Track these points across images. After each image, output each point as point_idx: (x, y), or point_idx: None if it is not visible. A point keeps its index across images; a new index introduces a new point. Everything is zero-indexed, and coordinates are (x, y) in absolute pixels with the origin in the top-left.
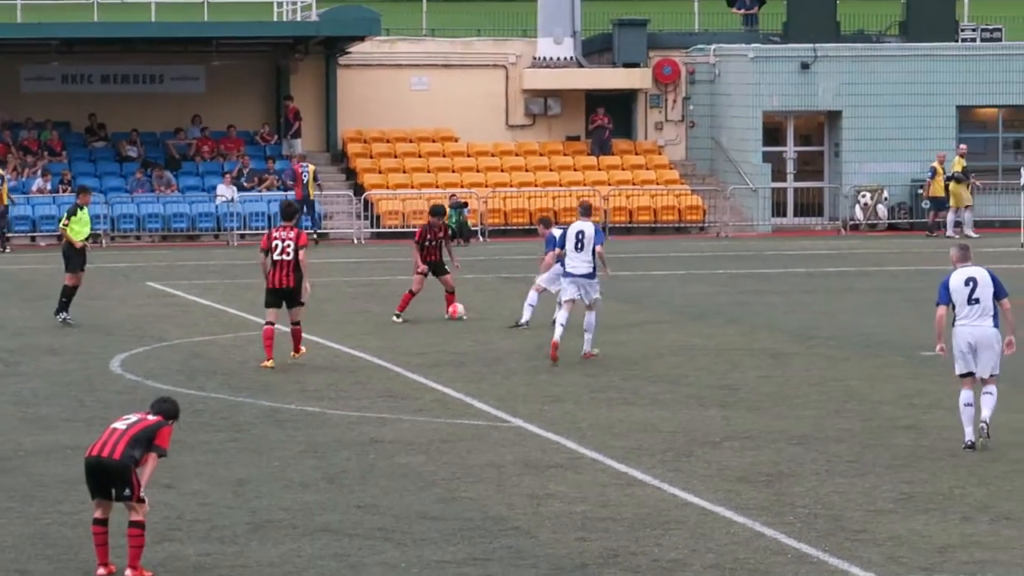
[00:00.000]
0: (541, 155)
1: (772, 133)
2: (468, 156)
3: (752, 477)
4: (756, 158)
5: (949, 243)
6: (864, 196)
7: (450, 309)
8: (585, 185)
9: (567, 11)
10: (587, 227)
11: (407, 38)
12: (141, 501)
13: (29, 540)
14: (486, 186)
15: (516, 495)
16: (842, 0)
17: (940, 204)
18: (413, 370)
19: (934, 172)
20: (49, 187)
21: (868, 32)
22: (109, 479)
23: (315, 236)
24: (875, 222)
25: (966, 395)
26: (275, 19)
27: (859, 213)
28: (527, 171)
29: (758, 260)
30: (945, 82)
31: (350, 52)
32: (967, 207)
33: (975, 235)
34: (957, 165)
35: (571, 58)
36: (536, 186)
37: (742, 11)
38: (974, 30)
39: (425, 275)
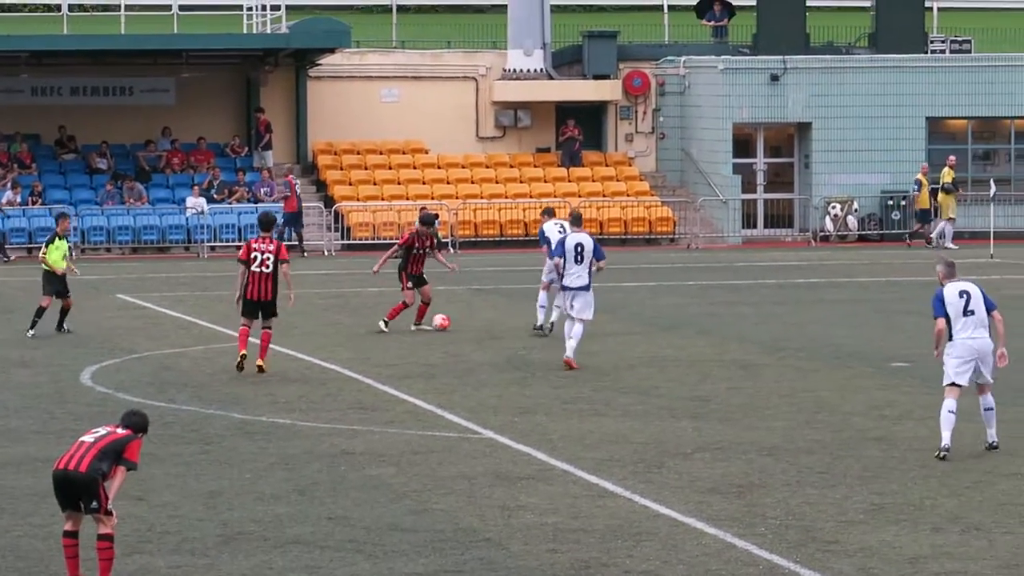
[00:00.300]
0: (511, 167)
1: (742, 145)
2: (438, 168)
3: (723, 488)
4: (726, 170)
5: (924, 254)
6: (834, 207)
7: (438, 321)
8: (555, 197)
9: (537, 23)
10: (586, 239)
11: (377, 50)
12: (109, 514)
13: (0, 552)
14: (456, 198)
15: (487, 507)
16: (812, 12)
17: (925, 216)
18: (384, 382)
19: (919, 184)
20: (19, 200)
21: (838, 44)
22: (76, 492)
23: (304, 250)
24: (845, 233)
25: (951, 403)
26: (245, 31)
27: (829, 224)
28: (497, 183)
29: (728, 272)
30: (915, 93)
31: (320, 64)
32: (950, 219)
33: (954, 247)
34: (947, 176)
35: (541, 70)
36: (507, 198)
37: (712, 23)
38: (943, 42)
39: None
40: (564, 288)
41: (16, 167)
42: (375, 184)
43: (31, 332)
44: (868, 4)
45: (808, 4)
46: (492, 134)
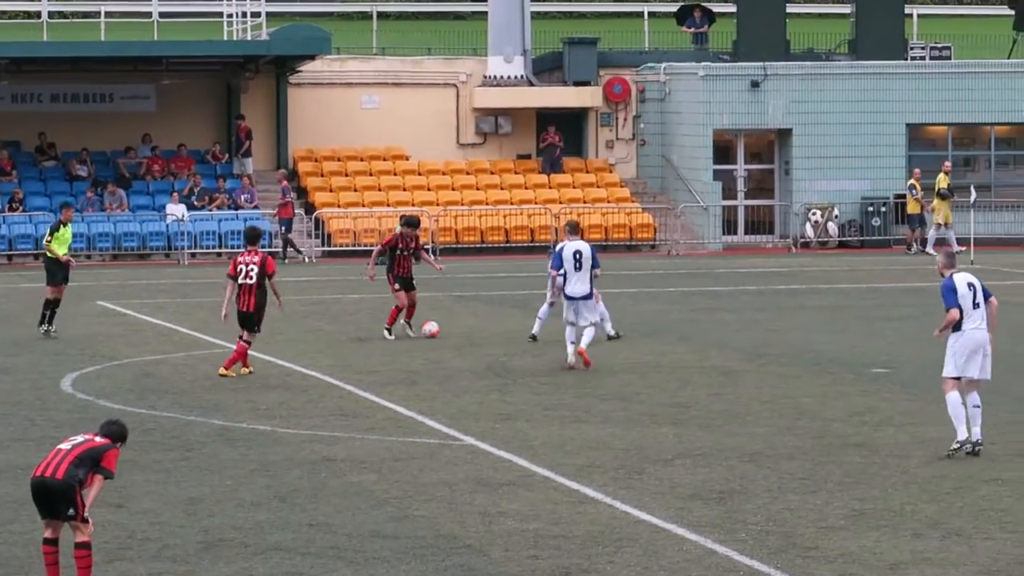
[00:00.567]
0: (492, 173)
1: (722, 151)
2: (419, 175)
3: (704, 494)
4: (707, 176)
5: (903, 260)
6: (814, 214)
7: (429, 330)
8: (536, 203)
9: (517, 30)
10: (584, 247)
11: (357, 57)
12: (85, 521)
13: None
14: (437, 204)
15: (468, 513)
16: (792, 18)
17: (919, 220)
18: (365, 388)
19: (913, 189)
20: None
21: (818, 50)
22: (53, 499)
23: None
24: (826, 240)
25: (957, 396)
26: (225, 38)
27: (810, 231)
28: (478, 189)
29: (709, 278)
30: (895, 100)
31: (300, 71)
32: (947, 225)
33: (934, 254)
34: (942, 182)
35: (521, 76)
36: (487, 204)
37: (692, 29)
38: (923, 48)
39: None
40: (567, 297)
41: None
42: (356, 191)
43: (47, 328)
44: (848, 11)
45: (788, 11)
46: (473, 141)
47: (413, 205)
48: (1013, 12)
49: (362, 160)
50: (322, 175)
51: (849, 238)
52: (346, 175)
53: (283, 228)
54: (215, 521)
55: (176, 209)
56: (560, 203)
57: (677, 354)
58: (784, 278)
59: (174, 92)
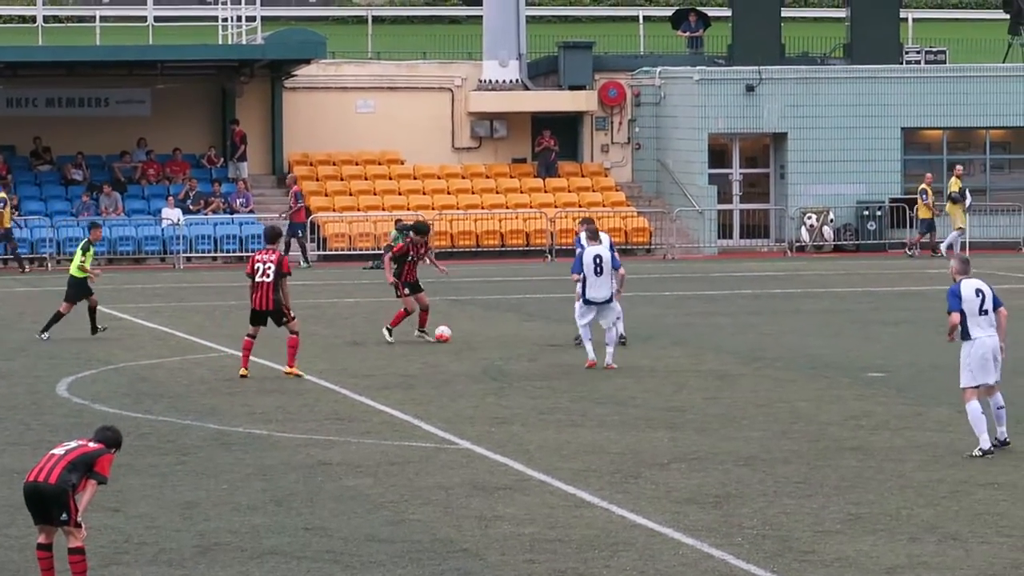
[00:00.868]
0: (487, 177)
1: (718, 155)
2: (414, 179)
3: (700, 499)
4: (702, 180)
5: (899, 263)
6: (810, 218)
7: (439, 332)
8: (532, 207)
9: (512, 34)
10: (603, 251)
11: (353, 61)
12: (78, 526)
13: None
14: (432, 209)
15: (464, 517)
16: (787, 23)
17: (929, 225)
18: (361, 392)
19: (925, 194)
20: None
21: (813, 54)
22: (46, 504)
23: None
24: (821, 243)
25: (977, 405)
26: (220, 42)
27: (805, 235)
28: (473, 193)
29: (704, 282)
30: (890, 104)
31: (296, 75)
32: (959, 229)
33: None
34: (954, 185)
35: (517, 81)
36: (483, 208)
37: (687, 34)
38: (918, 52)
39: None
40: (588, 302)
41: None
42: (351, 195)
43: (99, 331)
44: (843, 15)
45: (783, 15)
46: (468, 145)
47: (408, 209)
48: (1008, 16)
49: (357, 164)
50: (317, 179)
51: (844, 242)
52: (341, 179)
53: (299, 232)
54: (211, 525)
55: (172, 213)
56: (555, 207)
57: (673, 358)
58: (779, 282)
59: (169, 96)
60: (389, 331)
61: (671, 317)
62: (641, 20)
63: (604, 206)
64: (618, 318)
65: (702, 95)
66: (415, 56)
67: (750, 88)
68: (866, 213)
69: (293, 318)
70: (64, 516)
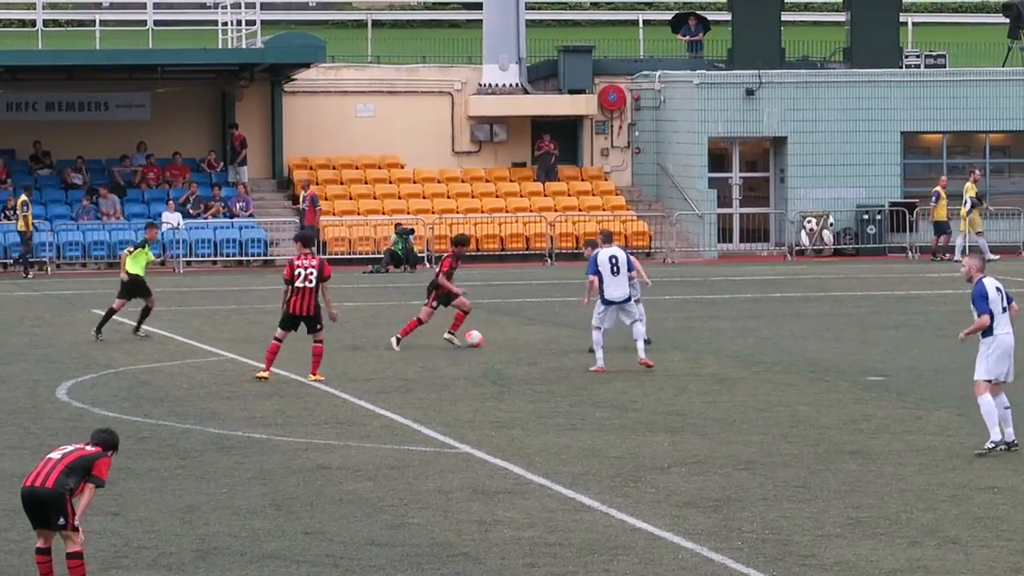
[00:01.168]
0: (487, 181)
1: (717, 159)
2: (414, 183)
3: (700, 502)
4: (702, 184)
5: (898, 267)
6: (810, 222)
7: (473, 338)
8: (531, 211)
9: (512, 38)
10: (619, 251)
11: (352, 65)
12: (76, 531)
13: None
14: (432, 212)
15: (464, 521)
16: (787, 27)
17: (943, 228)
18: (360, 396)
19: (937, 197)
20: None
21: (813, 58)
22: (43, 508)
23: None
24: (821, 247)
25: (990, 398)
26: (220, 46)
27: (805, 239)
28: (473, 197)
29: (704, 286)
30: (889, 108)
31: (295, 79)
32: (977, 232)
33: (995, 257)
34: (970, 191)
35: (516, 84)
36: (482, 212)
37: (687, 37)
38: (918, 56)
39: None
40: (606, 302)
41: None
42: (351, 199)
43: (99, 336)
44: (843, 19)
45: (783, 19)
46: (468, 149)
47: (408, 213)
48: (1007, 20)
49: (357, 168)
50: (317, 183)
51: (844, 246)
52: (341, 183)
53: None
54: (211, 529)
55: (172, 217)
56: (555, 211)
57: (672, 362)
58: (779, 286)
59: (169, 100)
60: (398, 340)
61: (671, 321)
62: (641, 24)
63: (604, 210)
64: (640, 319)
65: (702, 99)
66: (415, 60)
67: (750, 92)
68: (866, 217)
69: (320, 328)
70: (61, 520)
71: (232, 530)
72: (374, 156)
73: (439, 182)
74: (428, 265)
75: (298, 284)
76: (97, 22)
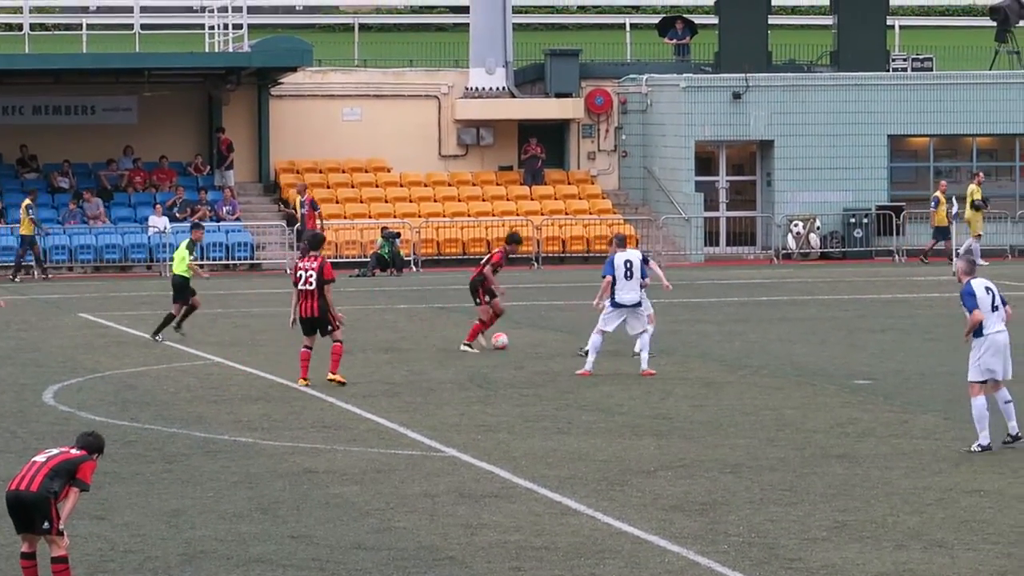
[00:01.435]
0: (474, 185)
1: (704, 163)
2: (401, 186)
3: (686, 506)
4: (688, 188)
5: (885, 271)
6: (796, 225)
7: (502, 342)
8: (518, 215)
9: (499, 41)
10: (634, 255)
11: (339, 69)
12: (60, 535)
13: None
14: (419, 216)
15: (450, 525)
16: (773, 30)
17: (944, 233)
18: (347, 400)
19: (937, 202)
20: None
21: (799, 62)
22: (28, 512)
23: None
24: (807, 251)
25: (983, 400)
26: (207, 50)
27: (791, 242)
28: (460, 201)
29: (691, 289)
30: (876, 111)
31: (282, 83)
32: (977, 236)
33: (984, 263)
34: (975, 193)
35: (503, 88)
36: (469, 216)
37: (674, 41)
38: (905, 60)
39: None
40: (617, 305)
41: None
42: (337, 203)
43: (159, 337)
44: (830, 22)
45: (770, 22)
46: (454, 152)
47: (395, 217)
48: (994, 23)
49: (343, 172)
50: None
51: (831, 249)
52: (327, 187)
53: None
54: (197, 533)
55: (158, 221)
56: (542, 214)
57: (659, 365)
58: (766, 289)
59: (156, 104)
60: (469, 345)
61: (657, 324)
62: (628, 28)
63: (590, 214)
64: (645, 330)
65: (689, 103)
66: (401, 64)
67: (737, 95)
68: (852, 220)
69: (339, 326)
70: (46, 525)
71: (218, 534)
72: (361, 160)
73: (426, 186)
74: (414, 269)
75: (301, 287)
76: (84, 26)
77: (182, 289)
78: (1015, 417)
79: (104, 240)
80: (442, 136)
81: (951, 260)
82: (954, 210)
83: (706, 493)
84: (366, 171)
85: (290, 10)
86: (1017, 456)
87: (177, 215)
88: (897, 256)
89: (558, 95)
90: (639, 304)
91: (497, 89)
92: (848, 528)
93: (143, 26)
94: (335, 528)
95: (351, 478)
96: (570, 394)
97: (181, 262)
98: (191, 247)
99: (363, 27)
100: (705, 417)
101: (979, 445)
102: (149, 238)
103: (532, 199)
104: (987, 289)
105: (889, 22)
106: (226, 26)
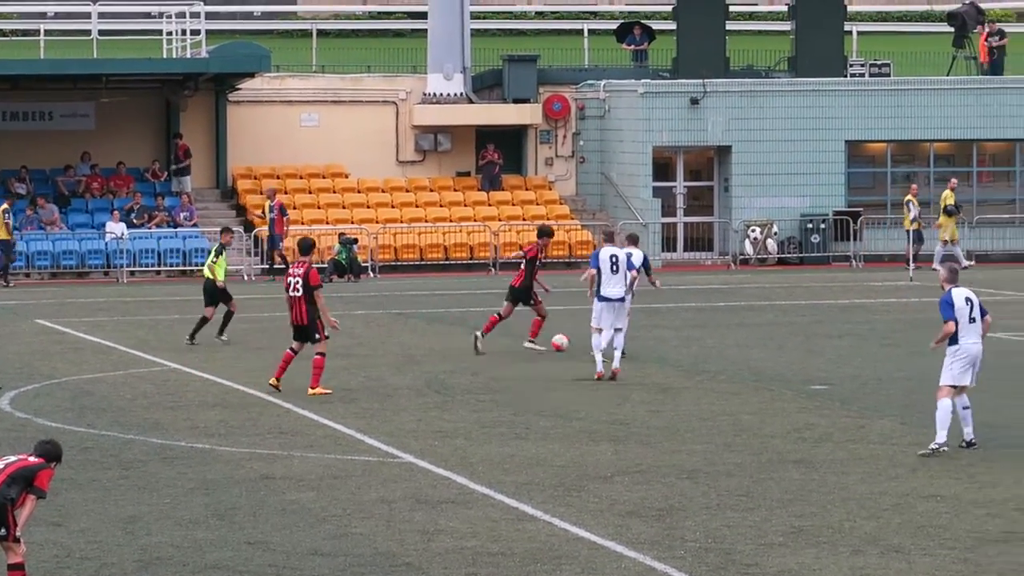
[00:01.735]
0: (431, 191)
1: (662, 168)
2: (359, 192)
3: (643, 511)
4: (646, 193)
5: (842, 276)
6: (754, 231)
7: (560, 342)
8: (476, 221)
9: (457, 47)
10: (620, 252)
11: (297, 74)
12: (17, 541)
13: None
14: (376, 222)
15: (407, 531)
16: (731, 36)
17: (918, 237)
18: (304, 406)
19: (910, 205)
20: None
21: (757, 68)
22: None
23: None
24: (765, 256)
25: (948, 403)
26: (165, 56)
27: (749, 248)
28: (417, 207)
29: (648, 295)
30: (834, 117)
31: (240, 89)
32: (954, 241)
33: (970, 263)
34: (948, 199)
35: (461, 94)
36: (427, 222)
37: (632, 47)
38: (863, 65)
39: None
40: (601, 298)
41: None
42: (295, 208)
43: (192, 342)
44: (788, 28)
45: (728, 28)
46: (412, 158)
47: (352, 223)
48: (952, 29)
49: (301, 178)
50: (261, 193)
51: (788, 255)
52: (285, 192)
53: (279, 245)
54: (153, 539)
55: (116, 227)
56: (499, 220)
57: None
58: (723, 295)
59: (113, 110)
60: (532, 341)
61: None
62: (586, 33)
63: (548, 219)
64: (621, 328)
65: (647, 108)
66: (359, 69)
67: (694, 101)
68: (810, 226)
69: (325, 336)
70: (3, 531)
71: (174, 540)
72: (318, 165)
73: (383, 191)
74: (372, 275)
75: (290, 293)
76: (42, 32)
77: (219, 294)
78: (972, 423)
79: (61, 246)
80: (400, 142)
81: (908, 265)
82: (912, 215)
83: (663, 499)
84: (324, 177)
85: (248, 16)
86: (973, 461)
87: (134, 221)
88: (854, 261)
89: (516, 101)
90: (623, 299)
91: (455, 95)
92: (805, 533)
93: (101, 32)
94: (292, 534)
95: (308, 484)
96: (527, 400)
97: (220, 267)
98: (220, 251)
99: (321, 33)
100: (662, 423)
101: (935, 444)
102: (106, 244)
103: (490, 205)
104: (967, 299)
105: (847, 28)
106: (184, 32)
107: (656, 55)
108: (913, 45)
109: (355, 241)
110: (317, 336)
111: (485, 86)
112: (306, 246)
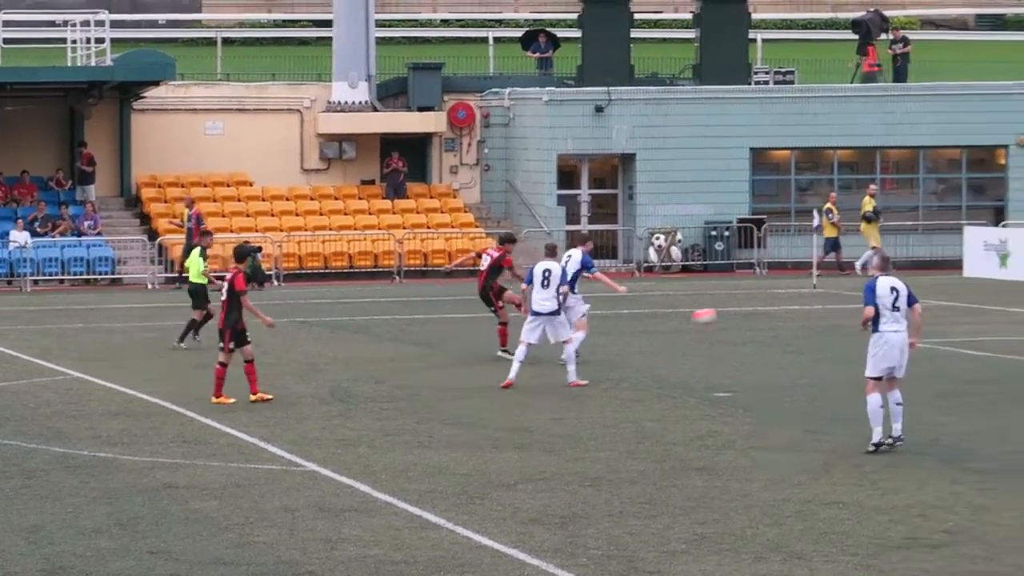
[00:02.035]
0: (336, 199)
1: (567, 176)
2: (263, 200)
3: (545, 519)
4: (551, 201)
5: (746, 284)
6: (658, 238)
7: (704, 319)
8: (380, 228)
9: (361, 55)
10: (554, 266)
11: (202, 83)
12: None
13: None
14: (281, 230)
15: (309, 539)
16: (636, 44)
17: (835, 244)
18: (207, 415)
19: (829, 212)
20: None
21: (662, 75)
22: None
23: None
24: (669, 264)
25: (877, 398)
26: (69, 64)
27: (653, 255)
28: (322, 215)
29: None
30: (738, 124)
31: (145, 97)
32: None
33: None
34: (867, 205)
35: (366, 102)
36: (331, 230)
37: (537, 55)
38: (767, 73)
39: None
40: (534, 313)
41: None
42: None
43: (180, 345)
44: (692, 36)
45: (633, 36)
46: (317, 166)
47: (257, 231)
48: (856, 37)
49: (206, 186)
50: (165, 201)
51: (692, 262)
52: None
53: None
54: (56, 548)
55: (19, 236)
56: (404, 228)
57: (520, 378)
58: (627, 302)
59: (17, 118)
60: (504, 350)
61: (517, 337)
62: (491, 41)
63: (452, 227)
64: (569, 340)
65: (551, 116)
66: (264, 77)
67: (599, 109)
68: (714, 233)
69: (248, 342)
70: None
71: (77, 549)
72: (223, 174)
73: (288, 200)
74: (276, 283)
75: (223, 298)
76: None
77: (200, 296)
78: (902, 420)
79: None
80: (304, 150)
81: (812, 272)
82: (815, 223)
83: (566, 506)
84: (228, 185)
85: (153, 24)
86: (876, 468)
87: (38, 230)
88: (758, 269)
89: (420, 109)
90: (557, 313)
91: (360, 103)
92: (707, 541)
93: (5, 40)
94: (194, 543)
95: (211, 493)
96: (430, 408)
97: (197, 270)
98: (204, 254)
99: (226, 41)
100: (565, 430)
101: (873, 444)
102: (10, 253)
103: (394, 213)
104: (892, 288)
105: (751, 35)
106: (88, 40)
107: (561, 63)
108: (817, 53)
109: (259, 249)
110: (248, 342)
111: (390, 94)
112: (240, 253)
